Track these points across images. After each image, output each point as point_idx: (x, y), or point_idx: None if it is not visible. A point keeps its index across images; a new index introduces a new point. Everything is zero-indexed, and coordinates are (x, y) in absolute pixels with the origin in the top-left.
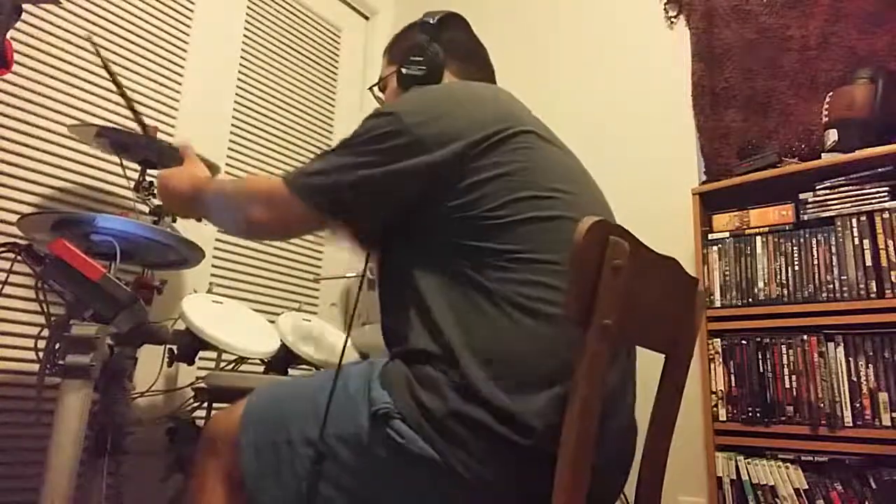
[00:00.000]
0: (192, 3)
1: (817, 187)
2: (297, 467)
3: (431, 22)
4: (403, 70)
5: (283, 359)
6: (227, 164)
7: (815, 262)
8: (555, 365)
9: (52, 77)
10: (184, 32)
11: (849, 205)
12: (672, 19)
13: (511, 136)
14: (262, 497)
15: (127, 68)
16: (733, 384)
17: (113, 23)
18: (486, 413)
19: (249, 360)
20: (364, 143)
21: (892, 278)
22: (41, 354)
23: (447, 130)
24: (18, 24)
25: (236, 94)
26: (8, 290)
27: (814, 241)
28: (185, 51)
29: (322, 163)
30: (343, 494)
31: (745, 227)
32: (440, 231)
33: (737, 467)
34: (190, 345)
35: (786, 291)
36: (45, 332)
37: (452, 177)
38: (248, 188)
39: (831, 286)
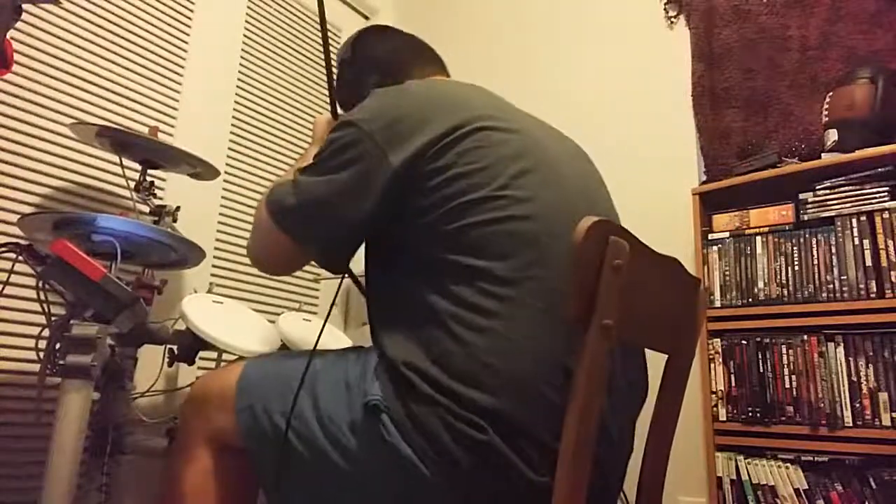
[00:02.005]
0: (192, 3)
1: (817, 187)
2: (294, 440)
3: (346, 58)
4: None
5: None
6: (227, 164)
7: (815, 262)
8: (530, 370)
9: (52, 77)
10: (184, 32)
11: (849, 205)
12: (672, 19)
13: (464, 135)
14: (260, 460)
15: (127, 68)
16: (733, 384)
17: (113, 23)
18: (461, 421)
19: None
20: (328, 157)
21: (892, 278)
22: (42, 354)
23: (405, 131)
24: (18, 24)
25: (236, 94)
26: (9, 290)
27: (814, 241)
28: (185, 51)
29: (293, 186)
30: (333, 476)
31: (745, 227)
32: (411, 241)
33: (737, 467)
34: (190, 345)
35: (786, 291)
36: (46, 332)
37: (417, 178)
38: (256, 213)
39: (831, 286)
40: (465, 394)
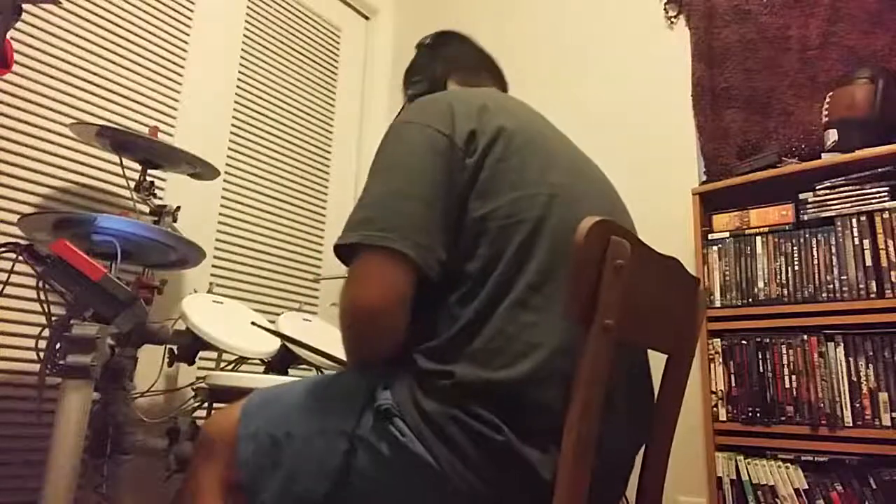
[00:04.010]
0: (192, 3)
1: (817, 187)
2: (299, 461)
3: (427, 42)
4: (409, 91)
5: (283, 359)
6: (227, 164)
7: (815, 262)
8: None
9: (52, 77)
10: (184, 32)
11: (849, 205)
12: (672, 19)
13: (493, 140)
14: (259, 491)
15: (127, 68)
16: (733, 384)
17: (113, 23)
18: (479, 422)
19: (249, 360)
20: (385, 157)
21: (892, 278)
22: (42, 354)
23: (450, 117)
24: (18, 24)
25: (236, 94)
26: (9, 290)
27: (814, 241)
28: (185, 51)
29: (357, 207)
30: (342, 491)
31: (745, 227)
32: (461, 241)
33: (737, 467)
34: (190, 345)
35: (786, 291)
36: (46, 332)
37: (468, 157)
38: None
39: (831, 286)
40: (489, 383)
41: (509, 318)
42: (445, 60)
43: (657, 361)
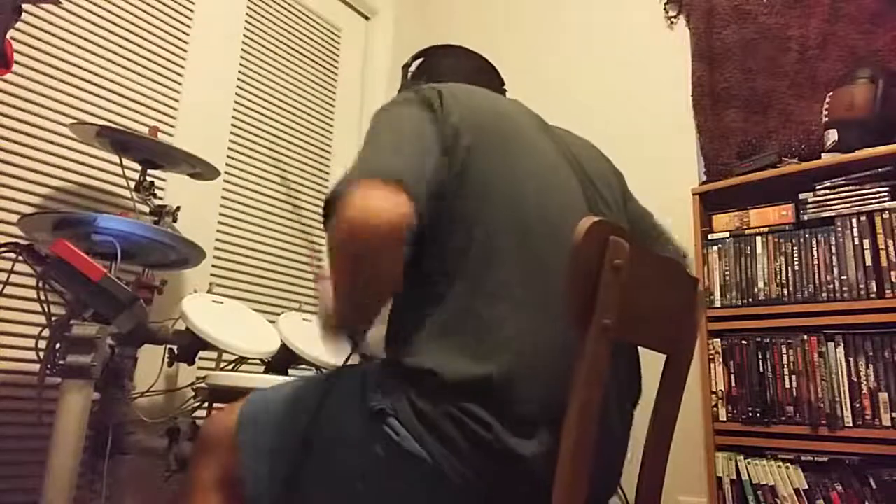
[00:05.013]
0: (192, 3)
1: (817, 187)
2: (295, 470)
3: (408, 68)
4: None
5: (283, 359)
6: (227, 164)
7: (815, 262)
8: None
9: (52, 77)
10: (184, 32)
11: (849, 205)
12: (672, 19)
13: (485, 135)
14: (260, 497)
15: (127, 68)
16: (733, 384)
17: (113, 23)
18: (470, 419)
19: (249, 360)
20: (380, 123)
21: (892, 278)
22: (42, 354)
23: (439, 105)
24: (18, 24)
25: (236, 94)
26: (9, 290)
27: (814, 241)
28: (185, 51)
29: (353, 167)
30: (343, 496)
31: (745, 227)
32: (438, 231)
33: (737, 467)
34: (190, 345)
35: (786, 291)
36: (46, 332)
37: (451, 151)
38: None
39: (831, 286)
40: (474, 378)
41: (486, 312)
42: (429, 81)
43: (657, 361)
